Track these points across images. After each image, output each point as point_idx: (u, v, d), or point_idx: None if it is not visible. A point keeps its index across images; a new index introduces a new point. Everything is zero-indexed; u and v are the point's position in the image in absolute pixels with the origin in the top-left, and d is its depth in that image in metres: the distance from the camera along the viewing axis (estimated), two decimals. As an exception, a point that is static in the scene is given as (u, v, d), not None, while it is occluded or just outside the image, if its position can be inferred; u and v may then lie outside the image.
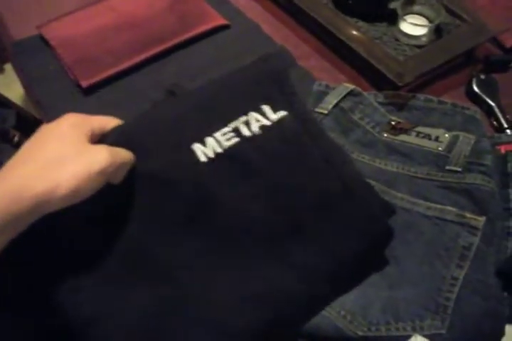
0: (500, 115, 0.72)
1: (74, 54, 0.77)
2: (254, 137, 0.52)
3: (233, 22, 0.82)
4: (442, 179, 0.62)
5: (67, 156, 0.39)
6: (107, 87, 0.75)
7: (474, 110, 0.68)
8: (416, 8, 0.77)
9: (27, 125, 1.09)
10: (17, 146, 1.11)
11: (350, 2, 0.77)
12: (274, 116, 0.53)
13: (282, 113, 0.53)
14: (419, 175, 0.63)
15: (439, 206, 0.60)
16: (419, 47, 0.75)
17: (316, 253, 0.52)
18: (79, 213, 0.43)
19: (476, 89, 0.75)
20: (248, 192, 0.51)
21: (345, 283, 0.56)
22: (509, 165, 0.64)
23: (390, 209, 0.55)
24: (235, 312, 0.49)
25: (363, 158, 0.65)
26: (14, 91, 1.32)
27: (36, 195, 0.37)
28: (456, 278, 0.56)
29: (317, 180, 0.53)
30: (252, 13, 0.84)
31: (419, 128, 0.66)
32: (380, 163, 0.64)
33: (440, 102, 0.69)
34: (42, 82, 0.76)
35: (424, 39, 0.75)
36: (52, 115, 0.69)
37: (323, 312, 0.54)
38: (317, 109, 0.68)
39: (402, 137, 0.66)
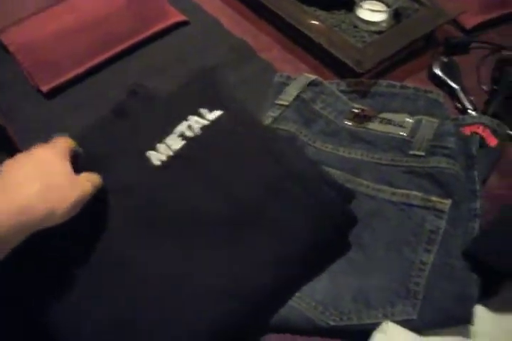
0: (463, 97, 0.72)
1: (33, 59, 0.75)
2: (196, 137, 0.57)
3: (192, 18, 0.81)
4: (406, 164, 0.62)
5: (65, 186, 0.48)
6: (69, 89, 0.74)
7: (437, 93, 0.68)
8: (373, -7, 0.77)
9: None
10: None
11: (307, -9, 0.76)
12: (212, 116, 0.58)
13: (218, 112, 0.58)
14: (384, 162, 0.62)
15: (404, 191, 0.60)
16: (379, 33, 0.74)
17: (274, 242, 0.52)
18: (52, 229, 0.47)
19: (437, 72, 0.74)
20: (200, 189, 0.54)
21: (311, 270, 0.56)
22: (473, 146, 0.64)
23: (349, 195, 0.55)
24: (202, 308, 0.48)
25: (326, 147, 0.64)
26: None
27: (41, 214, 0.44)
28: (424, 263, 0.56)
29: (262, 170, 0.54)
30: (210, 7, 0.83)
31: (383, 115, 0.66)
32: (343, 152, 0.64)
33: (402, 87, 0.69)
34: (2, 88, 0.75)
35: (383, 25, 0.75)
36: (15, 121, 0.69)
37: (293, 304, 0.54)
38: (278, 101, 0.67)
39: (366, 124, 0.65)
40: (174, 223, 0.52)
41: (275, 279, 0.52)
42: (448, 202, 0.58)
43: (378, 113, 0.66)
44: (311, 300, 0.55)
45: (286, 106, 0.66)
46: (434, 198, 0.58)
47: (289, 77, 0.70)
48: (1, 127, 0.71)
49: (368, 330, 0.53)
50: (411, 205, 0.59)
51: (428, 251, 0.56)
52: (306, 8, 0.76)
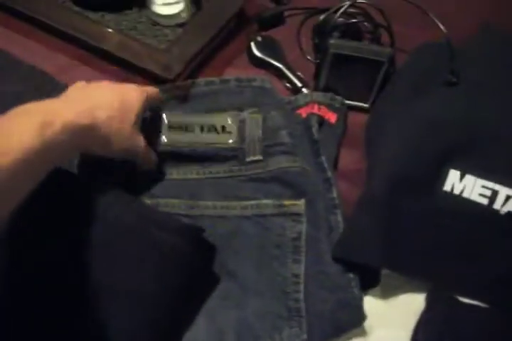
0: (291, 75, 0.66)
1: None
2: None
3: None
4: (247, 172, 0.56)
5: (125, 128, 0.48)
6: None
7: (261, 79, 0.62)
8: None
9: None
10: None
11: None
12: None
13: None
14: (222, 175, 0.56)
15: (254, 202, 0.54)
16: (181, 25, 0.66)
17: (127, 309, 0.46)
18: None
19: (257, 53, 0.68)
20: None
21: (184, 319, 0.51)
22: (313, 129, 0.59)
23: (192, 231, 0.48)
24: None
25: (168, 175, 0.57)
26: None
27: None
28: (297, 275, 0.51)
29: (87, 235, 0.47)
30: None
31: (199, 119, 0.58)
32: (177, 174, 0.56)
33: (223, 81, 0.62)
34: None
35: (183, 15, 0.67)
36: None
37: None
38: None
39: (186, 137, 0.57)
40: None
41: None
42: (301, 202, 0.53)
43: (192, 117, 0.59)
44: (195, 348, 0.49)
45: None
46: (286, 202, 0.53)
47: None
48: None
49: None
50: (265, 215, 0.53)
51: (297, 261, 0.52)
52: (91, 15, 0.66)
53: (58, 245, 0.47)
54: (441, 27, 0.61)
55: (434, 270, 0.51)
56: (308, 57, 0.70)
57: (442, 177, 0.53)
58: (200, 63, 0.67)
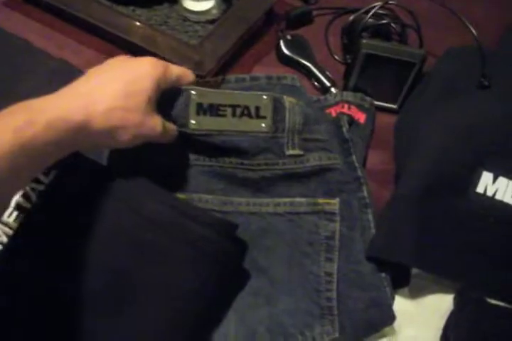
0: (319, 74, 0.67)
1: None
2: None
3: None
4: (284, 167, 0.54)
5: (132, 116, 0.44)
6: None
7: (291, 77, 0.61)
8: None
9: None
10: None
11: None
12: (47, 179, 0.49)
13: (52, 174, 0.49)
14: (256, 168, 0.54)
15: (287, 200, 0.54)
16: (212, 22, 0.66)
17: (159, 304, 0.46)
18: None
19: (286, 51, 0.68)
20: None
21: (214, 315, 0.51)
22: (344, 129, 0.59)
23: (226, 226, 0.48)
24: None
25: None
26: None
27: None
28: (330, 274, 0.51)
29: (118, 225, 0.47)
30: (14, 26, 0.69)
31: (231, 98, 0.53)
32: (209, 163, 0.54)
33: (253, 79, 0.62)
34: None
35: (213, 12, 0.67)
36: None
37: None
38: None
39: (219, 122, 0.53)
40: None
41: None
42: (336, 201, 0.53)
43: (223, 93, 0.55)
44: (225, 347, 0.49)
45: None
46: (320, 200, 0.53)
47: None
48: None
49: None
50: (298, 213, 0.53)
51: (330, 259, 0.52)
52: (122, 9, 0.66)
53: (89, 238, 0.46)
54: (472, 30, 0.61)
55: (465, 270, 0.51)
56: (336, 57, 0.70)
57: (475, 179, 0.53)
58: (229, 60, 0.67)
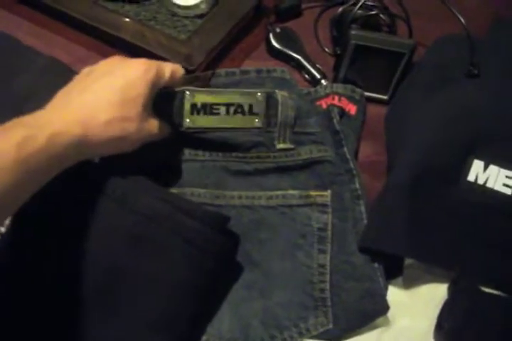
0: (309, 66, 0.66)
1: None
2: None
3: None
4: (275, 160, 0.55)
5: (130, 125, 0.45)
6: None
7: (281, 70, 0.61)
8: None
9: None
10: None
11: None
12: None
13: None
14: (248, 161, 0.55)
15: (279, 192, 0.54)
16: (201, 16, 0.66)
17: (153, 298, 0.46)
18: None
19: (276, 45, 0.68)
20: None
21: (207, 309, 0.51)
22: (335, 121, 0.59)
23: (218, 219, 0.48)
24: None
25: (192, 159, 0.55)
26: None
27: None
28: (323, 265, 0.51)
29: (111, 223, 0.47)
30: (3, 24, 0.69)
31: (225, 97, 0.54)
32: (202, 157, 0.55)
33: (243, 72, 0.61)
34: None
35: (202, 7, 0.66)
36: None
37: None
38: None
39: (213, 121, 0.53)
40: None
41: (170, 334, 0.47)
42: (328, 193, 0.53)
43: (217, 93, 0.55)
44: (220, 340, 0.49)
45: None
46: (312, 192, 0.53)
47: None
48: None
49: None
50: (291, 206, 0.53)
51: (323, 251, 0.52)
52: (111, 5, 0.65)
53: (83, 233, 0.46)
54: (461, 19, 0.61)
55: (458, 259, 0.51)
56: (326, 49, 0.70)
57: (466, 168, 0.53)
58: (219, 54, 0.67)
